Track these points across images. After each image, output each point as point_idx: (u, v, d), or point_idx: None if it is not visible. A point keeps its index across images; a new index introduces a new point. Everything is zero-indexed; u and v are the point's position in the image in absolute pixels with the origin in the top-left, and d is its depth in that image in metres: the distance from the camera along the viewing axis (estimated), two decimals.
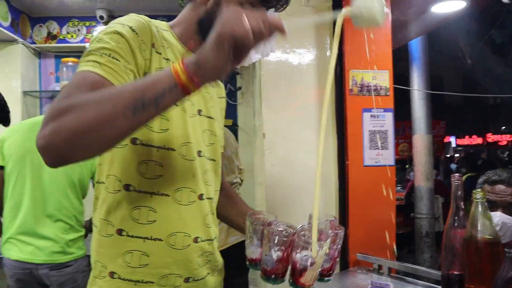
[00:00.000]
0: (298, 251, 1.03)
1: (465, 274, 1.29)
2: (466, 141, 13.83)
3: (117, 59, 0.96)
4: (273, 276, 1.09)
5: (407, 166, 7.15)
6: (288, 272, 1.07)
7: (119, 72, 0.95)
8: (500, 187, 1.84)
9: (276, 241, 1.06)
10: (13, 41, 3.42)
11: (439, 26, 3.62)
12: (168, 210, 1.10)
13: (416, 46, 4.31)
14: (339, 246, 1.13)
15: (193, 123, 1.16)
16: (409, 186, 5.54)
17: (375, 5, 0.97)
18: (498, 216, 1.74)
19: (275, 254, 1.07)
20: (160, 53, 1.09)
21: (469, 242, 1.27)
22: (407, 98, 4.44)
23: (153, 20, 1.17)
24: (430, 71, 4.47)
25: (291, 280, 1.07)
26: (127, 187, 1.09)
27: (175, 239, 1.11)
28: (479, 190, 1.31)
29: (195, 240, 1.14)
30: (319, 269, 1.04)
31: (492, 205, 1.82)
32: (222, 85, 1.44)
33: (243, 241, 2.57)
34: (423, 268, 1.69)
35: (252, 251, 1.18)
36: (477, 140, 13.60)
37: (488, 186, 1.90)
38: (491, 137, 13.12)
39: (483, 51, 5.50)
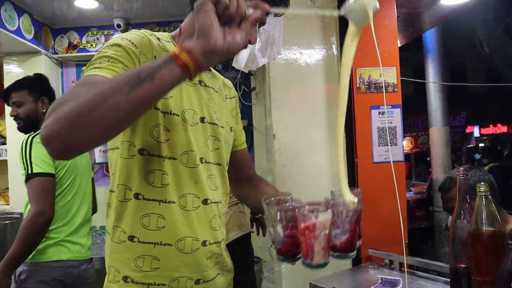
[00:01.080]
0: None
1: (472, 267, 1.31)
2: (490, 130, 13.50)
3: (115, 63, 1.01)
4: (286, 254, 1.07)
5: (428, 158, 7.07)
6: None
7: (118, 72, 0.99)
8: None
9: (279, 217, 1.05)
10: (36, 52, 3.57)
11: (452, 16, 3.58)
12: (175, 216, 1.16)
13: (430, 37, 4.27)
14: (352, 218, 1.07)
15: (195, 131, 1.20)
16: (430, 179, 5.49)
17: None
18: None
19: (281, 230, 1.05)
20: None
21: (474, 235, 1.29)
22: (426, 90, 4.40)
23: (155, 33, 1.22)
24: (451, 60, 4.42)
25: (302, 260, 1.05)
26: (136, 195, 1.14)
27: (184, 243, 1.17)
28: (483, 183, 1.32)
29: (204, 243, 1.20)
30: (323, 242, 1.01)
31: None
32: (231, 85, 1.47)
33: (243, 235, 2.66)
34: (433, 262, 1.72)
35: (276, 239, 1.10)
36: (502, 128, 13.25)
37: None
38: None
39: (502, 38, 5.39)
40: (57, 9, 3.50)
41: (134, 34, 1.11)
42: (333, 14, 1.02)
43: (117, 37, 1.09)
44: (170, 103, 1.15)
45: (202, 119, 1.24)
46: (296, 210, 1.05)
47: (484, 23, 5.38)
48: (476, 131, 13.16)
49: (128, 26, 3.71)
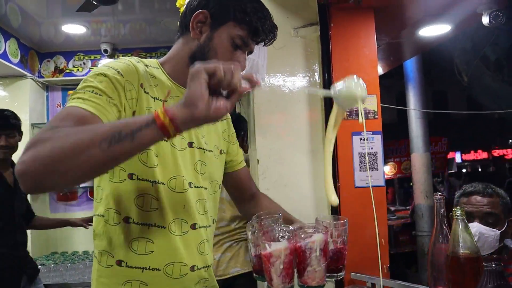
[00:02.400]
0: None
1: None
2: (471, 156, 13.78)
3: (99, 94, 1.02)
4: (258, 273, 1.15)
5: (411, 183, 7.16)
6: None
7: (102, 105, 1.01)
8: (476, 198, 1.83)
9: (250, 237, 1.14)
10: (22, 76, 3.59)
11: (431, 47, 3.72)
12: (164, 241, 1.16)
13: (411, 66, 4.41)
14: (339, 239, 1.16)
15: (183, 156, 1.22)
16: (413, 204, 5.56)
17: (355, 90, 1.09)
18: (475, 227, 1.74)
19: (253, 249, 1.15)
20: (147, 93, 1.15)
21: (452, 258, 1.33)
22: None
23: (143, 60, 1.24)
24: (433, 88, 4.55)
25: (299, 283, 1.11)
26: (126, 219, 1.15)
27: (172, 268, 1.17)
28: (459, 207, 1.36)
29: (192, 268, 1.20)
30: (279, 271, 1.06)
31: (469, 216, 1.80)
32: None
33: (244, 274, 2.64)
34: (413, 285, 1.74)
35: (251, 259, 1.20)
36: (482, 154, 13.54)
37: (464, 198, 1.89)
38: (496, 151, 13.07)
39: (480, 69, 5.59)
40: (44, 33, 3.53)
41: (121, 63, 1.13)
42: (327, 95, 1.08)
43: (104, 66, 1.11)
44: None
45: (191, 144, 1.25)
46: (263, 233, 1.10)
47: (462, 53, 5.57)
48: (458, 157, 13.42)
49: (115, 51, 3.76)
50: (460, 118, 13.95)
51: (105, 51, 3.68)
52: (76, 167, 0.84)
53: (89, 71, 3.79)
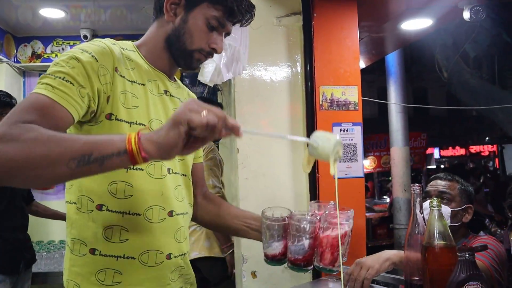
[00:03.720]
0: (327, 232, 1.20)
1: (424, 280, 1.36)
2: (449, 152, 14.06)
3: (70, 83, 0.99)
4: (304, 263, 1.21)
5: (390, 177, 7.28)
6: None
7: (71, 95, 0.99)
8: (437, 181, 1.95)
9: (307, 229, 1.19)
10: None
11: (413, 41, 3.75)
12: (139, 228, 1.14)
13: (393, 61, 4.44)
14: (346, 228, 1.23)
15: None
16: (391, 198, 5.65)
17: (329, 147, 1.09)
18: (427, 202, 1.80)
19: (307, 242, 1.20)
20: (123, 76, 1.12)
21: (427, 249, 1.35)
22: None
23: (119, 42, 1.20)
24: (414, 84, 4.62)
25: (318, 265, 1.22)
26: (99, 207, 1.12)
27: (148, 256, 1.15)
28: (435, 198, 1.39)
29: (168, 256, 1.18)
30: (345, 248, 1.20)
31: (426, 195, 1.93)
32: (194, 96, 1.47)
33: (200, 258, 2.69)
34: (389, 275, 1.76)
35: (274, 248, 1.24)
36: (460, 151, 13.84)
37: (429, 183, 1.99)
38: (473, 148, 13.37)
39: (459, 65, 5.69)
40: (21, 17, 3.43)
41: (95, 45, 1.09)
42: (306, 143, 1.08)
43: (77, 49, 1.07)
44: (136, 113, 1.14)
45: None
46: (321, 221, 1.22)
47: (443, 49, 5.66)
48: (436, 153, 13.67)
49: (95, 37, 3.68)
50: (439, 115, 14.20)
51: (85, 37, 3.59)
52: (39, 176, 0.86)
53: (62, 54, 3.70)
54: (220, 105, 2.83)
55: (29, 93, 0.99)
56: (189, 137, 0.87)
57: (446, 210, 1.80)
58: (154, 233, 1.16)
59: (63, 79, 0.99)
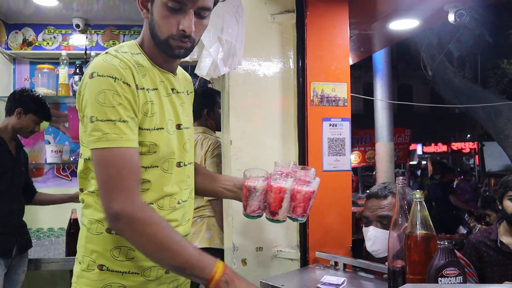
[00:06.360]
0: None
1: (406, 266, 1.46)
2: (432, 148, 14.33)
3: (126, 121, 1.14)
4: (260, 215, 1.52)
5: (374, 172, 7.44)
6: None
7: (134, 130, 1.16)
8: (372, 201, 1.87)
9: (258, 188, 1.45)
10: None
11: (399, 40, 3.85)
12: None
13: (380, 58, 4.54)
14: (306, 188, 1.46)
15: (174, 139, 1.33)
16: None
17: None
18: (370, 231, 1.82)
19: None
20: (143, 88, 1.22)
21: (409, 237, 1.44)
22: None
23: (125, 46, 1.27)
24: (400, 81, 4.72)
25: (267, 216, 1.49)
26: (109, 230, 1.24)
27: (150, 272, 1.28)
28: (418, 190, 1.48)
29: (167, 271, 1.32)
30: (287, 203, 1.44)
31: (367, 221, 1.86)
32: (190, 78, 1.56)
33: (202, 249, 2.83)
34: (373, 264, 1.86)
35: (251, 204, 1.48)
36: (442, 147, 14.11)
37: (366, 202, 1.93)
38: (455, 145, 13.65)
39: (444, 63, 5.83)
40: (12, 3, 3.42)
41: (120, 68, 1.17)
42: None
43: (108, 76, 1.15)
44: (155, 120, 1.24)
45: (179, 126, 1.34)
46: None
47: (428, 48, 5.79)
48: (419, 149, 13.93)
49: (87, 27, 3.69)
50: (422, 112, 14.44)
51: (77, 26, 3.59)
52: (147, 254, 1.18)
53: (60, 45, 3.70)
54: (218, 94, 2.88)
55: (101, 146, 1.13)
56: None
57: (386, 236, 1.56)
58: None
59: (120, 121, 1.13)
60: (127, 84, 1.15)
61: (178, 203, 1.33)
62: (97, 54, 2.26)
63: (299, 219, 1.49)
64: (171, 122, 1.30)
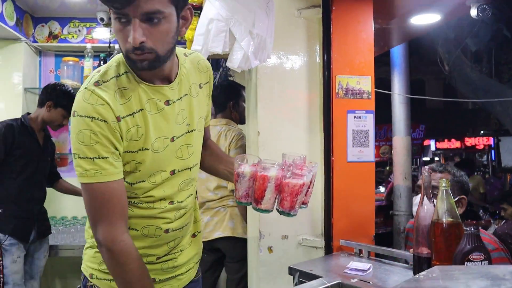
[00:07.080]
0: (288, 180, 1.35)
1: (432, 253, 1.51)
2: (445, 144, 14.24)
3: (105, 157, 1.19)
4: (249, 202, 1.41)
5: (387, 167, 7.44)
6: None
7: (115, 164, 1.21)
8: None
9: (246, 174, 1.36)
10: (16, 39, 3.56)
11: (419, 35, 3.88)
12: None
13: (398, 53, 4.57)
14: (294, 181, 1.35)
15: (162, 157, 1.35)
16: (389, 187, 5.81)
17: None
18: (418, 198, 1.88)
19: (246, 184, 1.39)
20: (124, 117, 1.22)
21: (435, 225, 1.49)
22: (389, 102, 4.71)
23: (111, 68, 1.25)
24: (412, 76, 4.73)
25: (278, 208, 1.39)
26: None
27: (148, 230, 1.38)
28: (444, 179, 1.53)
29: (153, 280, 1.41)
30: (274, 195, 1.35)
31: (418, 190, 2.03)
32: (206, 68, 1.48)
33: (224, 237, 2.91)
34: (397, 251, 1.92)
35: (241, 191, 1.40)
36: (455, 143, 14.01)
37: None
38: (469, 141, 13.55)
39: (460, 58, 5.81)
40: None
41: (97, 105, 1.19)
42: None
43: (86, 116, 1.17)
44: (141, 142, 1.27)
45: (173, 139, 1.33)
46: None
47: (445, 42, 5.78)
48: (432, 145, 13.84)
49: (111, 20, 3.76)
50: (436, 107, 14.34)
51: (101, 19, 3.67)
52: (117, 283, 1.26)
53: (84, 38, 3.79)
54: (243, 88, 2.95)
55: (83, 181, 1.22)
56: None
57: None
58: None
59: (99, 158, 1.18)
60: (105, 121, 1.17)
61: (171, 203, 1.39)
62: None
63: (286, 212, 1.39)
64: (162, 138, 1.30)
